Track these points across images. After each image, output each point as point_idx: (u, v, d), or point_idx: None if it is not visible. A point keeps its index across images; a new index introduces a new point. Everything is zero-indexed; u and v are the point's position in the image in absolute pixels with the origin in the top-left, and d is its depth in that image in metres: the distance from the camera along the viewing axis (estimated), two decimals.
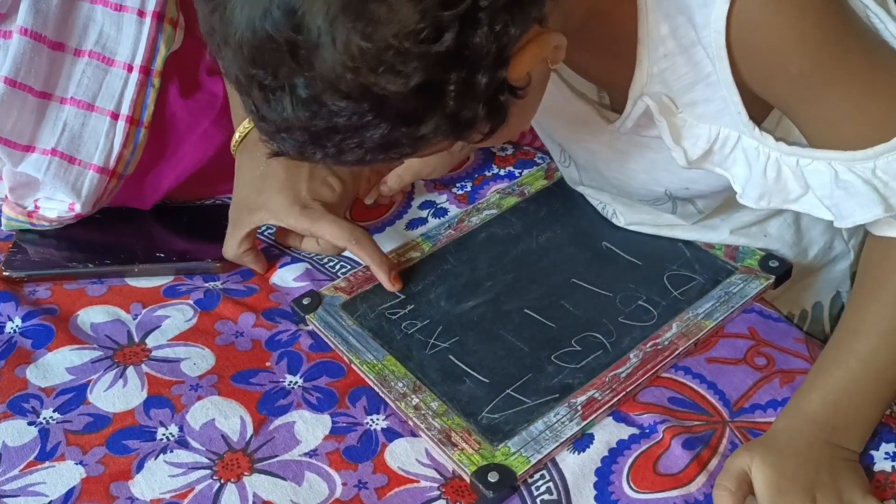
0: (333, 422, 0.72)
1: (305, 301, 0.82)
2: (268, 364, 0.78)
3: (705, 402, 0.72)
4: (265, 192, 0.82)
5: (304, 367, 0.77)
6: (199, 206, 0.97)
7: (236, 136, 0.86)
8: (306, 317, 0.81)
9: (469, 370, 0.75)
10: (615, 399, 0.71)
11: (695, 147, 0.68)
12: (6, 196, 0.91)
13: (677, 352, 0.75)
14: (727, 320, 0.78)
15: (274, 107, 0.52)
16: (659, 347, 0.75)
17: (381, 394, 0.74)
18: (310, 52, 0.49)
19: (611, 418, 0.71)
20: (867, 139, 0.63)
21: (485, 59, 0.51)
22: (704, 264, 0.83)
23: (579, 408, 0.71)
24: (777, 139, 0.66)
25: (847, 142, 0.64)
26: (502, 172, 1.00)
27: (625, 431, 0.70)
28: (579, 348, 0.76)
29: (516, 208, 0.93)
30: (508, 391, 0.72)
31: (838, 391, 0.66)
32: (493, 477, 0.66)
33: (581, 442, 0.70)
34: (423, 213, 0.95)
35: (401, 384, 0.74)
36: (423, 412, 0.71)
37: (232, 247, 0.85)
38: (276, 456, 0.70)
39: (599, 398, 0.71)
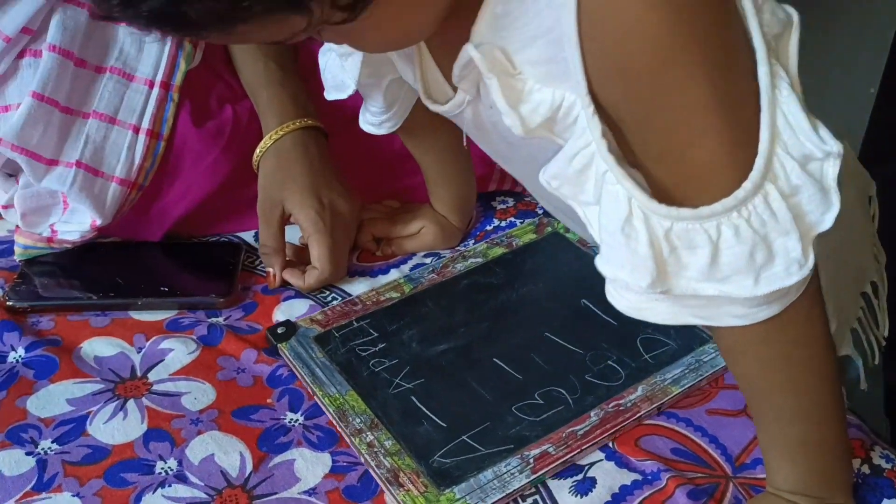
0: (334, 461, 0.72)
1: (280, 330, 0.83)
2: (269, 401, 0.77)
3: (707, 456, 0.72)
4: (288, 189, 0.89)
5: (304, 404, 0.77)
6: (204, 243, 0.98)
7: (258, 150, 0.92)
8: (278, 346, 0.81)
9: (429, 413, 0.74)
10: (568, 456, 0.70)
11: (534, 114, 0.55)
12: (17, 226, 0.91)
13: (639, 415, 0.74)
14: (694, 388, 0.77)
15: None
16: (621, 409, 0.74)
17: (337, 427, 0.74)
18: None
19: (612, 463, 0.71)
20: (679, 193, 0.53)
21: None
22: (680, 331, 0.82)
23: (531, 461, 0.70)
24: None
25: (659, 184, 0.54)
26: (504, 224, 1.01)
27: (627, 477, 0.70)
28: (542, 402, 0.75)
29: (501, 259, 0.93)
30: (464, 437, 0.72)
31: (798, 468, 0.64)
32: None
33: (583, 485, 0.69)
34: (428, 261, 0.96)
35: (358, 420, 0.74)
36: (375, 450, 0.71)
37: (268, 238, 0.90)
38: (276, 493, 0.69)
39: (553, 453, 0.70)
